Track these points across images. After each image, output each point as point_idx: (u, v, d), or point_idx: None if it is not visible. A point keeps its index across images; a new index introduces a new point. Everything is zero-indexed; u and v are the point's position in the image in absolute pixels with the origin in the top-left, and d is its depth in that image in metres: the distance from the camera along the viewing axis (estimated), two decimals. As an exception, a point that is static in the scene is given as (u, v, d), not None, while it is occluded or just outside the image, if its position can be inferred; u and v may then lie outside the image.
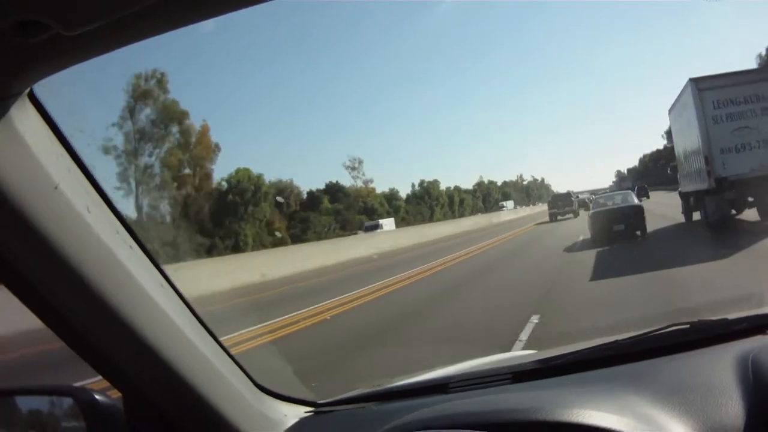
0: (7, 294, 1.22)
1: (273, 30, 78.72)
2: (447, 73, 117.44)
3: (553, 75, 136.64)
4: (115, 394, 1.54)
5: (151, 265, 1.40)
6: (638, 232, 18.76)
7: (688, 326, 1.70)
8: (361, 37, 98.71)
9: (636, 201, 20.33)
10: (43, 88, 1.12)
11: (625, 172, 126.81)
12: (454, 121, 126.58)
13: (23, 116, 1.10)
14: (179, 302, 1.47)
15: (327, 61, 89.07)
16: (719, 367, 1.43)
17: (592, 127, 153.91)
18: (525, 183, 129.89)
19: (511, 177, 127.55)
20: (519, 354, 2.29)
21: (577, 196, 49.05)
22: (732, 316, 1.72)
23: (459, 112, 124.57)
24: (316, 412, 1.85)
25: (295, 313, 12.03)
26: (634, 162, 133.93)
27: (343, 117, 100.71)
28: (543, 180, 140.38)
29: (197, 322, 1.52)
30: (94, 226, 1.22)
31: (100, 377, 1.43)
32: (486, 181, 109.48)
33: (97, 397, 1.52)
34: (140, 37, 1.03)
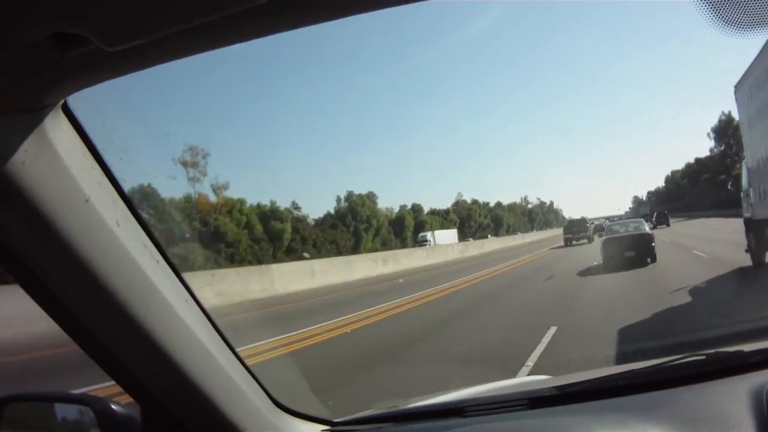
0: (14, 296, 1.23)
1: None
2: (452, 90, 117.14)
3: (569, 95, 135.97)
4: (127, 400, 1.55)
5: (177, 280, 1.40)
6: (648, 259, 19.42)
7: (704, 357, 1.69)
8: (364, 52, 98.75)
9: (647, 229, 21.29)
10: (76, 99, 1.12)
11: (644, 196, 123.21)
12: (454, 139, 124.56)
13: (56, 128, 1.10)
14: (202, 317, 1.47)
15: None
16: (734, 399, 1.43)
17: (610, 151, 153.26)
18: (529, 206, 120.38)
19: (514, 199, 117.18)
20: (534, 379, 2.27)
21: (592, 223, 49.86)
22: (748, 348, 1.71)
23: (467, 130, 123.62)
24: (332, 431, 1.84)
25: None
26: (656, 184, 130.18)
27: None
28: (552, 204, 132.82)
29: (219, 337, 1.52)
30: (123, 239, 1.23)
31: (107, 383, 1.43)
32: (469, 201, 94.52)
33: (113, 406, 1.52)
34: (178, 56, 1.04)
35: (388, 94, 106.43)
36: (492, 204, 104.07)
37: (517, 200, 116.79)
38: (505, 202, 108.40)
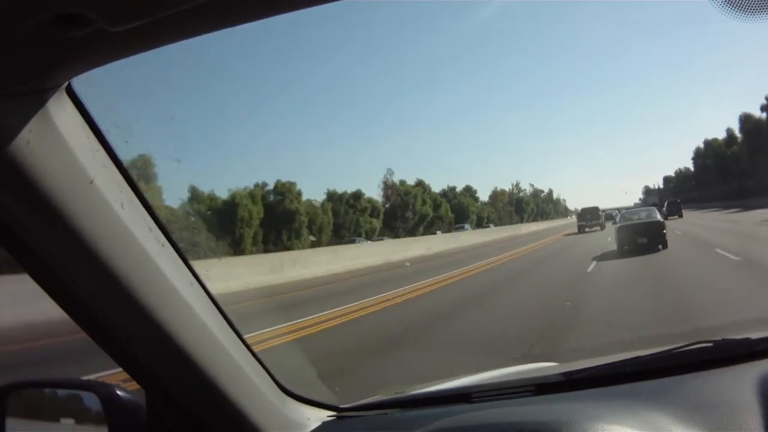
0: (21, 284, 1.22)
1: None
2: (459, 79, 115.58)
3: (578, 84, 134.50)
4: (132, 386, 1.54)
5: (182, 263, 1.40)
6: (660, 246, 20.05)
7: (711, 344, 1.69)
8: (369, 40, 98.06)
9: (659, 217, 21.90)
10: (80, 81, 1.11)
11: (659, 185, 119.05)
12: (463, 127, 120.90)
13: (60, 110, 1.10)
14: (207, 301, 1.46)
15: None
16: (742, 386, 1.43)
17: (620, 141, 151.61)
18: (520, 194, 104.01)
19: (503, 185, 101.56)
20: (541, 366, 2.28)
21: (603, 212, 52.40)
22: (755, 335, 1.71)
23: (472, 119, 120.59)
24: (338, 417, 1.84)
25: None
26: (664, 174, 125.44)
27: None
28: (551, 192, 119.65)
29: (225, 321, 1.52)
30: (128, 222, 1.22)
31: (112, 370, 1.42)
32: (412, 183, 73.63)
33: (119, 392, 1.52)
34: (185, 36, 1.02)
35: (386, 82, 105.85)
36: (460, 189, 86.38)
37: (508, 187, 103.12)
38: (482, 191, 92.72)
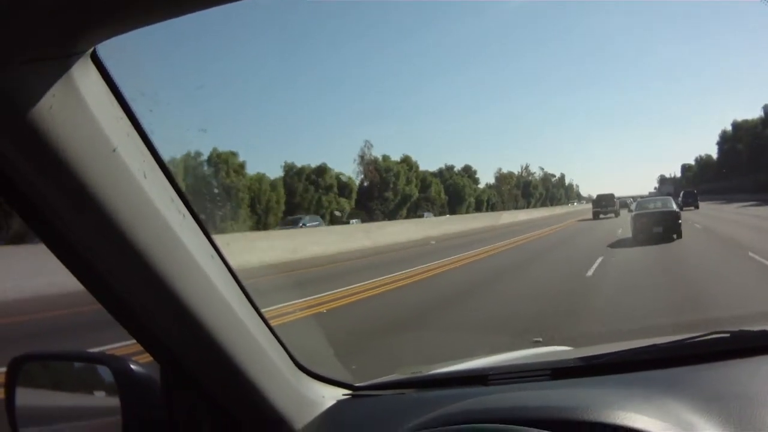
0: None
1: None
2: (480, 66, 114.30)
3: (595, 70, 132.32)
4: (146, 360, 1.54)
5: (203, 235, 1.38)
6: (674, 236, 20.17)
7: (728, 335, 1.68)
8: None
9: (675, 207, 21.92)
10: (106, 48, 1.09)
11: (675, 173, 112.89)
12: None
13: (84, 76, 1.08)
14: (227, 275, 1.45)
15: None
16: (758, 378, 1.44)
17: (636, 127, 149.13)
18: (530, 178, 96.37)
19: (513, 168, 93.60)
20: (556, 350, 2.29)
21: (618, 199, 53.05)
22: None
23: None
24: (353, 396, 1.84)
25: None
26: (682, 162, 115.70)
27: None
28: (563, 177, 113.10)
29: (244, 296, 1.51)
30: (150, 192, 1.20)
31: (126, 342, 1.41)
32: (397, 159, 65.24)
33: (132, 366, 1.52)
34: (213, 3, 1.00)
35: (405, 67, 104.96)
36: (459, 168, 78.00)
37: (517, 170, 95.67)
38: (489, 173, 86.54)
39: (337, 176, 59.17)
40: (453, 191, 73.27)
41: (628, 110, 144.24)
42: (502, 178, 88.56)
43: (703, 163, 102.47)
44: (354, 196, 60.58)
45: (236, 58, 76.74)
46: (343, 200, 58.39)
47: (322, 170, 57.64)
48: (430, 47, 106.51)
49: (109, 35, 1.06)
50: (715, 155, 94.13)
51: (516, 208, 79.05)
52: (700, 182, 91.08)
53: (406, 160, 66.63)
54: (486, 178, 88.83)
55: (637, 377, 1.60)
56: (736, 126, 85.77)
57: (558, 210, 77.35)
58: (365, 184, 62.10)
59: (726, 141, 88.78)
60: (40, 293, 12.14)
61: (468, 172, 79.82)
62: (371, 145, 65.66)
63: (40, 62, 1.00)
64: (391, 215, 58.98)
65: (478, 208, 74.72)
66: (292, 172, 56.86)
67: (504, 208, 74.56)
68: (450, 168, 77.09)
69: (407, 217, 57.51)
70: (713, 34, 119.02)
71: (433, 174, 72.92)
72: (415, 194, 66.15)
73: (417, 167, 68.45)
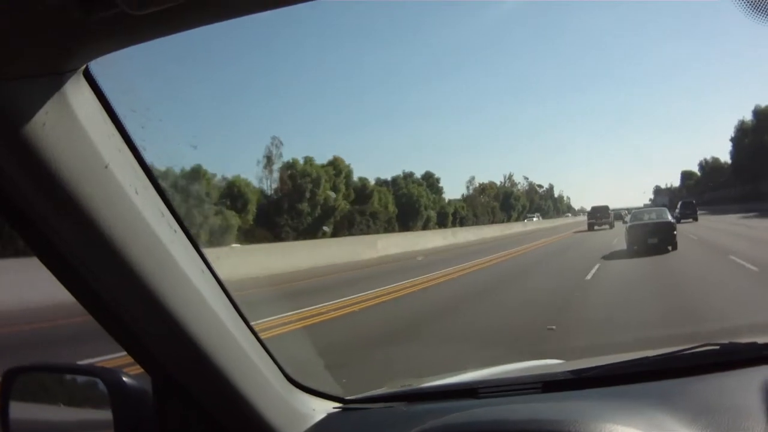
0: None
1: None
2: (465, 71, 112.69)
3: (589, 83, 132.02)
4: (138, 372, 1.54)
5: (194, 250, 1.39)
6: (669, 247, 20.08)
7: (718, 347, 1.70)
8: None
9: (669, 218, 21.89)
10: (98, 65, 1.11)
11: (671, 184, 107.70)
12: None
13: (77, 93, 1.09)
14: (218, 288, 1.46)
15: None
16: (748, 391, 1.44)
17: (631, 141, 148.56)
18: (513, 189, 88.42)
19: (495, 178, 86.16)
20: (547, 363, 2.29)
21: (612, 211, 53.75)
22: (762, 340, 1.72)
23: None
24: (344, 409, 1.84)
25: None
26: (682, 168, 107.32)
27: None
28: (551, 188, 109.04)
29: (234, 310, 1.52)
30: (141, 207, 1.22)
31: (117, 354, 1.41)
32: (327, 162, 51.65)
33: (124, 378, 1.52)
34: (205, 22, 1.02)
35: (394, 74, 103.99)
36: (419, 175, 65.39)
37: (500, 180, 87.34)
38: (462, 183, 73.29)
39: (232, 183, 45.68)
40: (406, 202, 59.98)
41: (620, 120, 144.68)
42: (481, 189, 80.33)
43: (710, 167, 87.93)
44: (251, 209, 46.40)
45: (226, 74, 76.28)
46: (231, 213, 41.73)
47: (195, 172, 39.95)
48: (407, 50, 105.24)
49: (102, 52, 1.07)
50: (723, 157, 77.43)
51: (493, 222, 68.86)
52: (705, 190, 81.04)
53: (334, 164, 53.28)
54: (461, 189, 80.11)
55: (628, 390, 1.61)
56: (759, 113, 67.17)
57: (529, 226, 66.19)
58: (272, 194, 49.11)
59: (745, 134, 69.80)
60: (31, 305, 12.07)
61: (429, 180, 67.07)
62: (281, 143, 52.51)
63: (34, 79, 1.02)
64: (304, 234, 45.06)
65: (442, 223, 62.31)
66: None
67: (477, 223, 65.18)
68: (409, 176, 65.07)
69: (335, 235, 43.96)
70: (711, 33, 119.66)
71: (383, 182, 61.90)
72: (345, 207, 52.13)
73: (350, 173, 55.16)
